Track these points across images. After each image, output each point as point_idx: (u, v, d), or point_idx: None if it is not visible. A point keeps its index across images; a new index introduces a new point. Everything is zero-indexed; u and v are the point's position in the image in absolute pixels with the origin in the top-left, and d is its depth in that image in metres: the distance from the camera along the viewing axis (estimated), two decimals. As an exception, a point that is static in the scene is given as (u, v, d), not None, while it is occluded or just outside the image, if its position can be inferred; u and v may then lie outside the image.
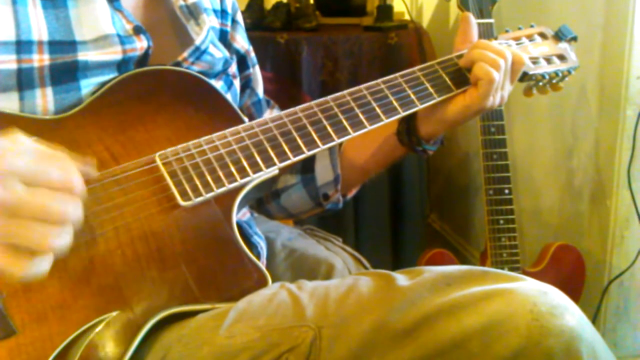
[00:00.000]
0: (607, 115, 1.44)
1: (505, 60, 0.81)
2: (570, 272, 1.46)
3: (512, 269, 1.36)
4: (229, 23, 0.93)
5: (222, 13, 0.92)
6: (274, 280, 0.70)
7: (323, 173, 0.93)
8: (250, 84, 0.98)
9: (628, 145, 1.39)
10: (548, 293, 0.57)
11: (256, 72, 0.99)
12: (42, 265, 0.51)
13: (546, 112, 1.66)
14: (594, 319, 1.53)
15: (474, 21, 0.88)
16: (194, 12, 0.83)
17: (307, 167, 0.94)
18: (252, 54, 0.98)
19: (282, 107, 0.77)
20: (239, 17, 0.96)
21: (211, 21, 0.87)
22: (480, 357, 0.54)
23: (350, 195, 1.00)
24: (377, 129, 0.78)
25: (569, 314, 0.56)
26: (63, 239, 0.51)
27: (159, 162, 0.68)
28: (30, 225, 0.49)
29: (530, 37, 0.94)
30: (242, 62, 0.96)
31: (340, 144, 0.94)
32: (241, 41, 0.95)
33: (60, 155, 0.55)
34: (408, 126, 0.87)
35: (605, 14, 1.40)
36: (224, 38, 0.91)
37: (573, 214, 1.61)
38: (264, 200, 0.99)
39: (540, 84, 0.95)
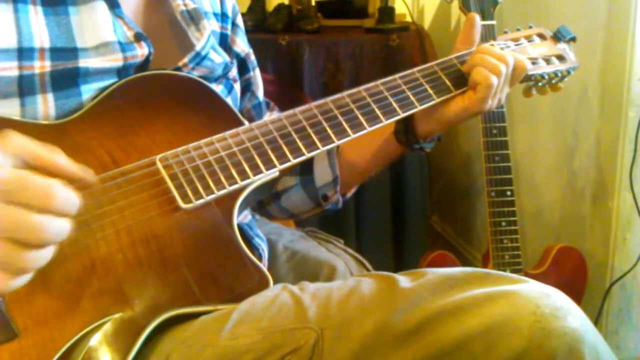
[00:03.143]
0: (609, 117, 1.44)
1: (507, 66, 0.81)
2: (572, 274, 1.45)
3: (514, 271, 1.36)
4: (229, 26, 0.93)
5: (223, 16, 0.92)
6: (275, 283, 0.70)
7: (322, 174, 0.94)
8: (251, 87, 0.99)
9: (630, 147, 1.39)
10: (550, 295, 0.57)
11: (256, 75, 0.99)
12: (22, 281, 0.52)
13: (548, 114, 1.66)
14: (596, 321, 1.53)
15: (479, 22, 0.88)
16: (194, 18, 0.83)
17: (305, 168, 0.94)
18: (253, 57, 0.98)
19: (284, 109, 0.77)
20: (239, 21, 0.96)
21: (212, 25, 0.87)
22: (483, 359, 0.54)
23: (349, 194, 1.00)
24: (375, 129, 0.78)
25: (572, 316, 0.56)
26: (40, 259, 0.52)
27: (159, 165, 0.69)
28: (6, 247, 0.50)
29: (528, 38, 0.94)
30: (243, 66, 0.96)
31: (339, 145, 0.94)
32: (241, 44, 0.95)
33: (52, 156, 0.55)
34: (406, 126, 0.87)
35: (607, 15, 1.40)
36: (224, 42, 0.91)
37: (575, 215, 1.61)
38: (265, 202, 0.99)
39: (540, 84, 0.95)
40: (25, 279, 0.52)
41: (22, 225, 0.50)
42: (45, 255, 0.52)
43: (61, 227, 0.52)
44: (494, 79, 0.80)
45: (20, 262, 0.51)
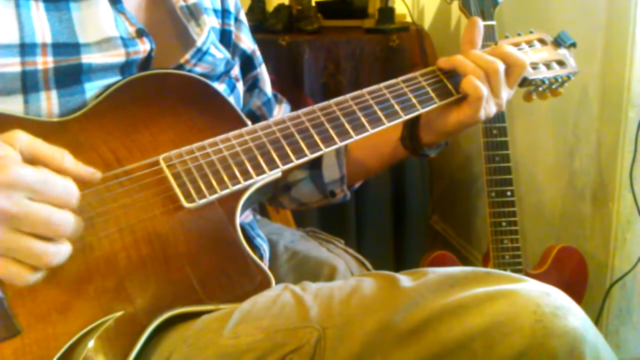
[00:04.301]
0: (609, 118, 1.44)
1: (497, 73, 0.81)
2: (573, 274, 1.46)
3: (514, 271, 1.36)
4: (231, 22, 0.93)
5: (224, 12, 0.92)
6: (276, 283, 0.70)
7: (330, 171, 0.96)
8: (258, 83, 0.99)
9: (630, 148, 1.39)
10: (551, 294, 0.57)
11: (263, 71, 1.00)
12: (40, 276, 0.55)
13: (548, 115, 1.66)
14: (597, 321, 1.53)
15: (481, 25, 0.87)
16: (194, 13, 0.84)
17: (314, 163, 0.96)
18: (258, 53, 0.99)
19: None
20: (243, 16, 0.96)
21: (211, 21, 0.87)
22: (484, 358, 0.54)
23: (356, 185, 1.03)
24: (382, 132, 0.79)
25: (572, 315, 0.56)
26: (61, 255, 0.56)
27: (162, 164, 0.69)
28: (32, 243, 0.53)
29: (529, 43, 0.95)
30: (249, 62, 0.96)
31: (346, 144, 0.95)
32: (247, 41, 0.95)
33: (59, 157, 0.57)
34: (411, 133, 0.88)
35: (607, 16, 1.40)
36: (227, 38, 0.91)
37: (575, 216, 1.61)
38: (276, 193, 1.00)
39: (540, 89, 0.95)
40: (39, 275, 0.55)
41: (49, 221, 0.53)
42: (64, 251, 0.56)
43: (80, 224, 0.57)
44: (485, 89, 0.80)
45: (42, 257, 0.54)
